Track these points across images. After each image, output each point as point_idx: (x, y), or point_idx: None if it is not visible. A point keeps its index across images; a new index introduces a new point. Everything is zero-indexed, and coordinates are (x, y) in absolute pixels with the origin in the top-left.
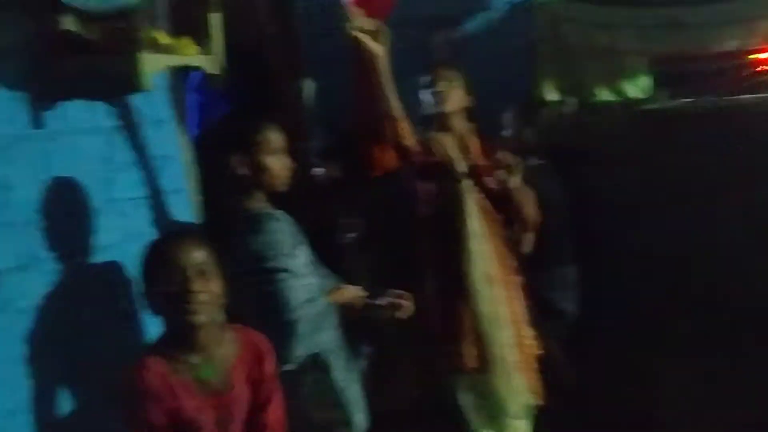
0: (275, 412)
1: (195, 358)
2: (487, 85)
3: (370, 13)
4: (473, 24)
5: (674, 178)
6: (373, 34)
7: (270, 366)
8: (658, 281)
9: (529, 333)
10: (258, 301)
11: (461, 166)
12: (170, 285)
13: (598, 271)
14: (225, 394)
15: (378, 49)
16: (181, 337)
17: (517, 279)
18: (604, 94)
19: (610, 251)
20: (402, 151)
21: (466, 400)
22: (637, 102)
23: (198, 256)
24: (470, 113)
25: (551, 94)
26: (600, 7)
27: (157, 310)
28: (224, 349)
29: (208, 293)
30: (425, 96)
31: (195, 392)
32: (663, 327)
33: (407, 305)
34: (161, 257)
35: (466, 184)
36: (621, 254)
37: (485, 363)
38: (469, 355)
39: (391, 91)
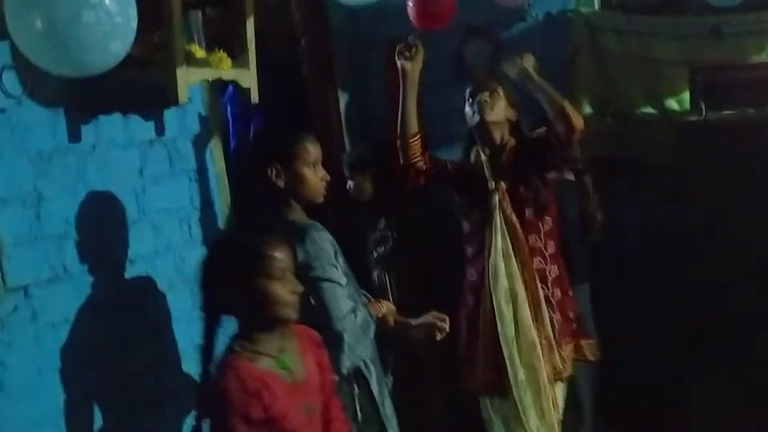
0: (339, 404)
1: (274, 351)
2: (523, 96)
3: (431, 23)
4: (509, 34)
5: (714, 191)
6: (410, 52)
7: (326, 353)
8: (696, 298)
9: (557, 356)
10: (302, 311)
11: (492, 181)
12: (277, 284)
13: (629, 288)
14: (305, 382)
15: (408, 66)
16: (265, 333)
17: (557, 295)
18: (643, 105)
19: (646, 266)
20: (412, 170)
21: (487, 420)
22: (677, 113)
23: (290, 256)
24: (514, 126)
25: (588, 105)
26: (639, 17)
27: (240, 308)
28: (290, 340)
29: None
30: (467, 106)
31: (284, 383)
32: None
33: (445, 328)
34: (266, 257)
35: (496, 199)
36: (658, 270)
37: (502, 386)
38: (484, 377)
39: (411, 108)
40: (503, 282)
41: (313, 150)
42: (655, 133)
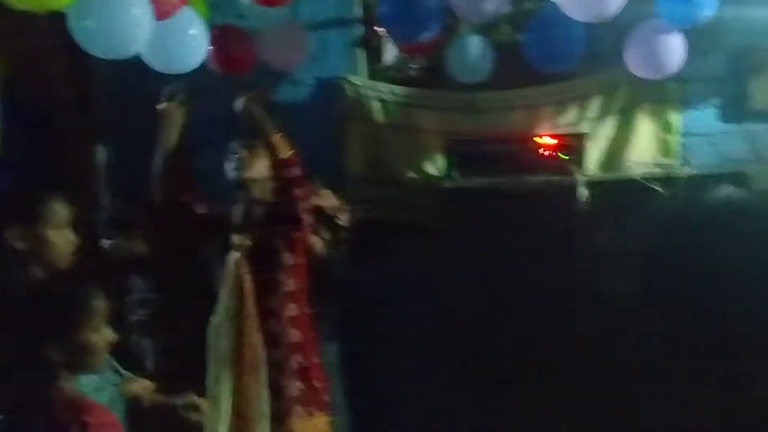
0: None
1: None
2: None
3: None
4: (280, 97)
5: (469, 253)
6: (173, 97)
7: None
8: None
9: (284, 429)
10: None
11: (237, 237)
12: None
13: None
14: None
15: (171, 107)
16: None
17: (295, 362)
18: (406, 171)
19: (398, 327)
20: (186, 206)
21: None
22: (435, 179)
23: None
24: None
25: (358, 168)
26: (402, 88)
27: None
28: None
29: None
30: (229, 162)
31: None
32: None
33: (202, 407)
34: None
35: (235, 256)
36: (412, 331)
37: None
38: None
39: (173, 147)
40: (223, 343)
41: (59, 211)
42: (416, 197)
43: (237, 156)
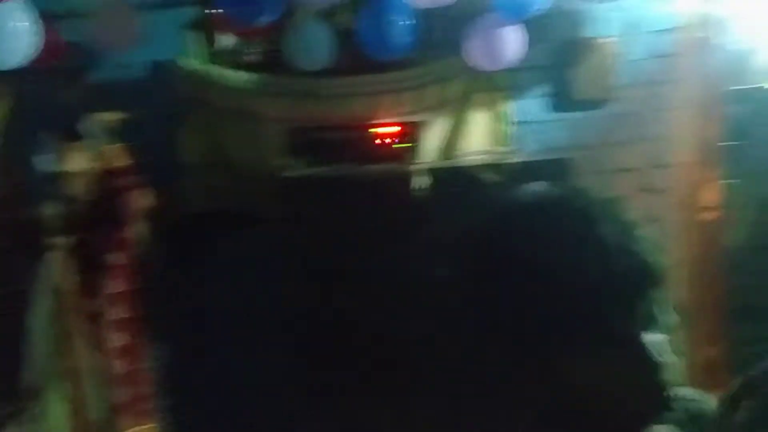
0: None
1: None
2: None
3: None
4: (112, 79)
5: (308, 244)
6: None
7: None
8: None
9: None
10: None
11: (54, 237)
12: None
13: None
14: None
15: None
16: None
17: (120, 367)
18: (249, 159)
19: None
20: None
21: None
22: (277, 167)
23: None
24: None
25: (196, 156)
26: (243, 73)
27: None
28: None
29: None
30: (43, 155)
31: None
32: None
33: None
34: None
35: (53, 257)
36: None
37: None
38: None
39: None
40: (43, 348)
41: None
42: (259, 186)
43: (54, 149)
